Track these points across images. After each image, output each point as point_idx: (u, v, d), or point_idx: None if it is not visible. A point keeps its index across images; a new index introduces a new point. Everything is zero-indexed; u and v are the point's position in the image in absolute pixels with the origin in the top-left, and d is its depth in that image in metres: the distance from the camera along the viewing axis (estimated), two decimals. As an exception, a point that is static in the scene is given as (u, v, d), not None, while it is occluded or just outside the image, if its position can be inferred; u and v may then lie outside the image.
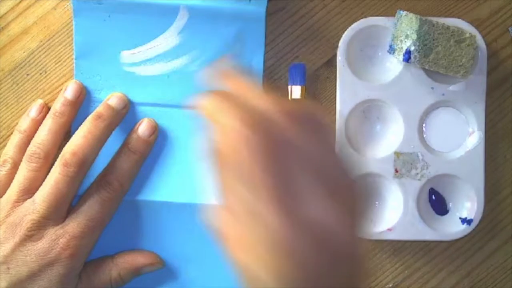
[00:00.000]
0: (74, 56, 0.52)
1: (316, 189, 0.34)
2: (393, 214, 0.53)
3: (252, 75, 0.43)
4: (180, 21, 0.52)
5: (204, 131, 0.37)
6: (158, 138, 0.52)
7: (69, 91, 0.51)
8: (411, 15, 0.50)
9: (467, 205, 0.53)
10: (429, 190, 0.54)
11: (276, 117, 0.35)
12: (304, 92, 0.53)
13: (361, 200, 0.36)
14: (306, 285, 0.34)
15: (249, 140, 0.34)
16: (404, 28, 0.50)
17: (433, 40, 0.50)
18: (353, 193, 0.36)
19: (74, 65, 0.52)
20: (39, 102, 0.52)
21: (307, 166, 0.34)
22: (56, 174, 0.48)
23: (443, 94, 0.53)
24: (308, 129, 0.35)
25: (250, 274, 0.35)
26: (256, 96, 0.36)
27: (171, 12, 0.51)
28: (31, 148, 0.49)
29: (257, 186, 0.33)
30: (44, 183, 0.48)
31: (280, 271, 0.34)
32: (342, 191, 0.35)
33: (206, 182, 0.53)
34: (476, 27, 0.52)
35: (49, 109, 0.52)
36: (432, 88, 0.53)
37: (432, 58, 0.50)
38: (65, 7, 0.53)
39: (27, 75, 0.53)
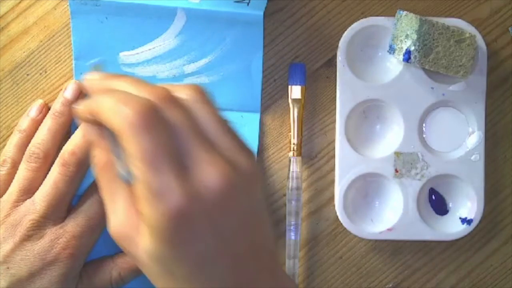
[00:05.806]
0: (73, 57, 0.52)
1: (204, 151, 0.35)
2: (393, 214, 0.53)
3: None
4: (178, 23, 0.52)
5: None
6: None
7: (69, 91, 0.51)
8: (411, 15, 0.50)
9: (467, 205, 0.53)
10: (429, 190, 0.54)
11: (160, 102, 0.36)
12: (304, 92, 0.53)
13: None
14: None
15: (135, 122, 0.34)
16: (404, 28, 0.50)
17: (433, 40, 0.50)
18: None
19: (73, 65, 0.52)
20: (39, 102, 0.52)
21: (196, 135, 0.36)
22: (55, 174, 0.48)
23: (443, 94, 0.53)
24: (190, 103, 0.37)
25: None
26: (140, 85, 0.37)
27: (168, 14, 0.51)
28: (31, 148, 0.49)
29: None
30: (43, 183, 0.48)
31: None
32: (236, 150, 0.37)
33: None
34: (476, 27, 0.52)
35: (49, 109, 0.52)
36: (432, 88, 0.53)
37: (432, 58, 0.50)
38: (65, 7, 0.53)
39: (27, 75, 0.53)
